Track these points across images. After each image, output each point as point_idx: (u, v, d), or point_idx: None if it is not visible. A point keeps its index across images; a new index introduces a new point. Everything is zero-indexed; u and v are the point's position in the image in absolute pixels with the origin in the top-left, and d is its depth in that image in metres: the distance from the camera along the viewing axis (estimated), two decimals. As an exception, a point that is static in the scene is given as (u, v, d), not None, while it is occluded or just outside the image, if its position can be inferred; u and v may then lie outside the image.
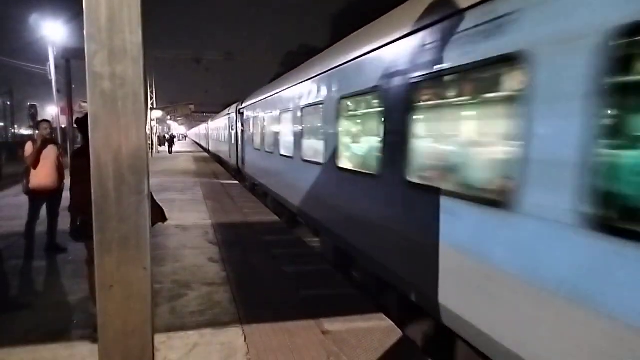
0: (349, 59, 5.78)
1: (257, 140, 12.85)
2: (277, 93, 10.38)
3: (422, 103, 4.18)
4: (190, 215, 9.47)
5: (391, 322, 4.35)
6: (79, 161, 3.64)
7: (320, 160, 6.81)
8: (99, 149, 1.45)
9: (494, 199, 3.11)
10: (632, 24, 2.19)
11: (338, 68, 6.21)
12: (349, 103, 6.02)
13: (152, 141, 33.13)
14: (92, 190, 1.48)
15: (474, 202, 3.29)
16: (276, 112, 10.24)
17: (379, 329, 4.18)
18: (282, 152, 9.55)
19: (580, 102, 2.44)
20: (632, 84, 2.30)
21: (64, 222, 7.78)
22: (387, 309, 4.92)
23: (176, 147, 49.62)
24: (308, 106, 7.65)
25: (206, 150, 42.20)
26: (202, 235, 7.74)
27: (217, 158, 29.50)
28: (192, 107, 39.97)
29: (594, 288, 2.37)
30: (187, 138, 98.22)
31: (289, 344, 3.85)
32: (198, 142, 60.99)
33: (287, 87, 9.37)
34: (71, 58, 10.12)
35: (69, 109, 10.83)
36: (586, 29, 2.44)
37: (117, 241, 1.46)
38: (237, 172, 18.38)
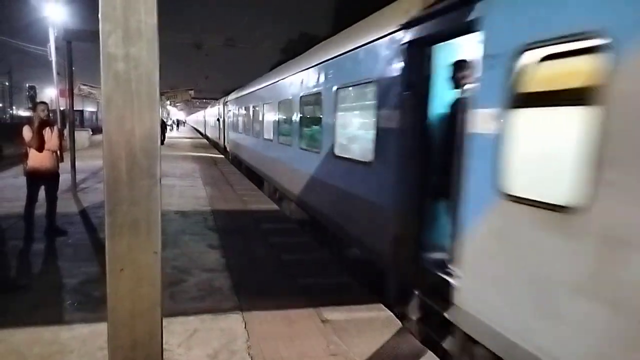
0: None
1: None
2: None
3: None
4: (189, 201, 9.47)
5: (390, 313, 4.38)
6: None
7: None
8: (112, 131, 1.43)
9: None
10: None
11: None
12: None
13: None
14: (104, 173, 1.46)
15: None
16: None
17: (378, 320, 4.21)
18: None
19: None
20: None
21: (63, 205, 7.80)
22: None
23: (174, 133, 49.19)
24: None
25: (205, 138, 36.15)
26: (202, 221, 7.74)
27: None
28: (191, 92, 39.60)
29: None
30: (185, 124, 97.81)
31: (289, 332, 3.87)
32: (203, 131, 46.54)
33: None
34: (73, 40, 9.96)
35: (69, 92, 10.71)
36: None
37: (128, 225, 1.44)
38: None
